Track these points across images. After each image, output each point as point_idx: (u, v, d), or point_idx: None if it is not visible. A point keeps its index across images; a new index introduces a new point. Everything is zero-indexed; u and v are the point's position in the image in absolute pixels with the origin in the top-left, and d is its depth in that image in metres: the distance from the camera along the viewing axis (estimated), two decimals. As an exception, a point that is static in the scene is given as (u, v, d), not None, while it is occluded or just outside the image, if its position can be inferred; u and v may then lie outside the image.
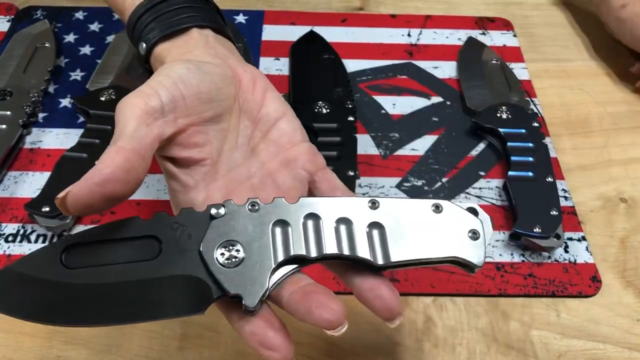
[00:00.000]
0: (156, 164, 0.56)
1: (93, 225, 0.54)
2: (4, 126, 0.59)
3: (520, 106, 0.64)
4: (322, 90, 0.65)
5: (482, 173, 0.61)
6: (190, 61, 0.40)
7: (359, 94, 0.68)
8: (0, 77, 0.64)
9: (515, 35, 0.75)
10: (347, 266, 0.37)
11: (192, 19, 0.43)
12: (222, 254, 0.34)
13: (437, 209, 0.37)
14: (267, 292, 0.34)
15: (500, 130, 0.62)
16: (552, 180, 0.57)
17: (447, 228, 0.36)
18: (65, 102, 0.65)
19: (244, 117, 0.41)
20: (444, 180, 0.60)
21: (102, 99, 0.62)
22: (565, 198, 0.59)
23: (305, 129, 0.44)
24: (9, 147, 0.58)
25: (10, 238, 0.53)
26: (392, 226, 0.36)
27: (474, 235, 0.36)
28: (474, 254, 0.36)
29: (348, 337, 0.48)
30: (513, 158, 0.59)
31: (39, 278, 0.33)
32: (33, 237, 0.54)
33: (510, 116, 0.63)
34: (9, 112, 0.61)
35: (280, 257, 0.35)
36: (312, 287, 0.35)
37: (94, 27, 0.73)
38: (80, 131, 0.61)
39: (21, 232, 0.54)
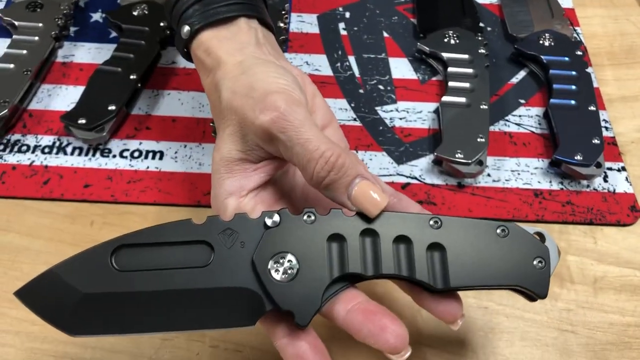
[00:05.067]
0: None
1: (127, 140, 0.54)
2: (36, 38, 0.58)
3: (564, 34, 0.62)
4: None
5: (522, 101, 0.59)
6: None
7: (397, 16, 0.66)
8: (30, -11, 0.63)
9: (559, -39, 0.72)
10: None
11: (239, 7, 0.41)
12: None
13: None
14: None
15: (543, 57, 0.60)
16: (594, 109, 0.56)
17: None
18: (97, 16, 0.64)
19: None
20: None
21: (135, 13, 0.61)
22: (606, 128, 0.57)
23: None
24: (42, 59, 0.57)
25: (46, 150, 0.53)
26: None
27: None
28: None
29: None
30: (555, 86, 0.57)
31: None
32: (69, 149, 0.53)
33: (552, 44, 0.61)
34: (40, 24, 0.59)
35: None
36: (373, 307, 0.34)
37: (123, -60, 0.70)
38: (111, 46, 0.60)
39: (57, 144, 0.54)
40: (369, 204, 0.34)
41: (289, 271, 0.33)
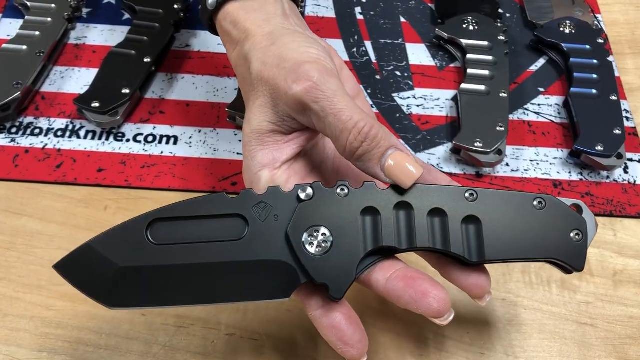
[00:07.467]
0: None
1: (141, 124, 0.53)
2: (49, 19, 0.57)
3: (585, 21, 0.61)
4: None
5: (542, 89, 0.58)
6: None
7: (414, 1, 0.65)
8: (42, -31, 0.62)
9: (580, -53, 0.71)
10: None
11: None
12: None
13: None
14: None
15: (563, 45, 0.59)
16: (616, 98, 0.55)
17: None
18: (109, -2, 0.63)
19: None
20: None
21: (149, -5, 0.60)
22: (627, 119, 0.56)
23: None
24: (54, 40, 0.56)
25: (59, 133, 0.53)
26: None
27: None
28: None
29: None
30: (576, 74, 0.56)
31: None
32: (82, 132, 0.53)
33: (573, 31, 0.60)
34: (53, 5, 0.58)
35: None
36: (412, 273, 0.33)
37: None
38: (124, 28, 0.59)
39: (70, 127, 0.53)
40: (403, 175, 0.33)
41: (323, 244, 0.33)
